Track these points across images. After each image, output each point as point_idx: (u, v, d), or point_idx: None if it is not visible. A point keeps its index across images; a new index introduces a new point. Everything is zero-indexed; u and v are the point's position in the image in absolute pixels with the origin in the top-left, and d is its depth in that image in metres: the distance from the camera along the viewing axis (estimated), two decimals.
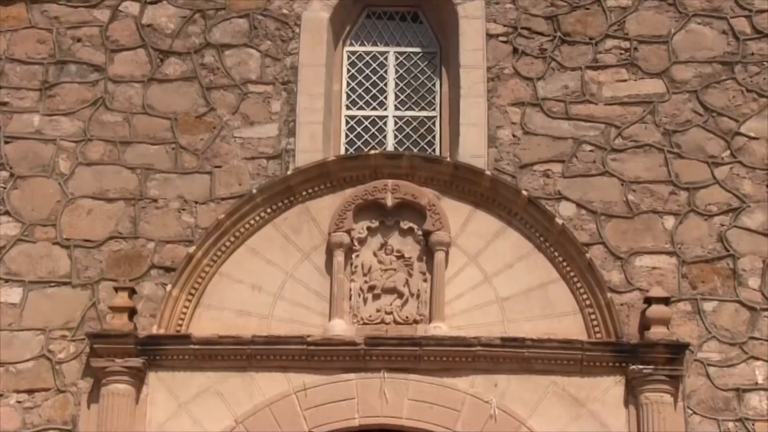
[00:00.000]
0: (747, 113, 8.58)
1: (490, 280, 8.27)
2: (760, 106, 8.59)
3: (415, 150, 8.85)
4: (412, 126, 9.02)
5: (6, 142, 8.65)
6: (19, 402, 8.08)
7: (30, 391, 8.09)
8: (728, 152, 8.52)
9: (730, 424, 7.94)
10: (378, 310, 8.24)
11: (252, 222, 8.38)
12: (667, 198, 8.44)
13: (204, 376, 8.08)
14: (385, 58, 9.17)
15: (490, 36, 8.81)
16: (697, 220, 8.39)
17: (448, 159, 8.53)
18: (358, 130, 9.03)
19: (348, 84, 9.14)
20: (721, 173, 8.48)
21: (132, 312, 8.14)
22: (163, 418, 8.01)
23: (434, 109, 9.04)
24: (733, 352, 8.09)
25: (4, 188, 8.55)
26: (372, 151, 8.58)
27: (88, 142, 8.66)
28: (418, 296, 8.26)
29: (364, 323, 8.21)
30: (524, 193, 8.33)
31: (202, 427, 7.97)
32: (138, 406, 8.00)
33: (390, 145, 8.94)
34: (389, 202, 8.38)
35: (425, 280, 8.28)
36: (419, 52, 9.16)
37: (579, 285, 8.20)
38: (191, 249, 8.27)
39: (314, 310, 8.22)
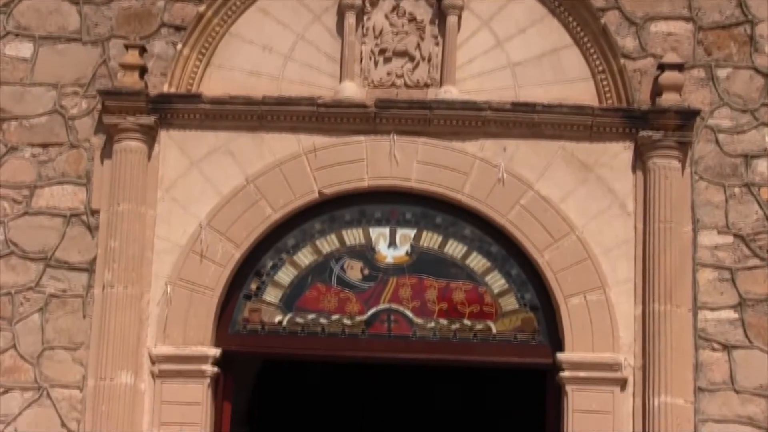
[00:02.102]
0: None
1: (503, 44, 8.19)
2: None
3: None
4: None
5: None
6: (33, 155, 8.22)
7: (44, 145, 8.21)
8: None
9: (736, 190, 7.98)
10: (389, 74, 8.21)
11: None
12: None
13: (215, 136, 8.15)
14: None
15: None
16: None
17: None
18: None
19: None
20: None
21: (143, 70, 8.14)
22: (175, 175, 8.13)
23: None
24: (744, 118, 8.04)
25: None
26: None
27: None
28: (429, 60, 8.20)
29: (375, 86, 8.20)
30: None
31: (213, 185, 8.10)
32: (150, 163, 8.11)
33: None
34: None
35: (437, 44, 8.20)
36: None
37: (592, 50, 8.10)
38: (201, 8, 8.18)
39: (325, 72, 8.20)
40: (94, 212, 8.12)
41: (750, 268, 7.89)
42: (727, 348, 7.81)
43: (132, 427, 7.80)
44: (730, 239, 7.93)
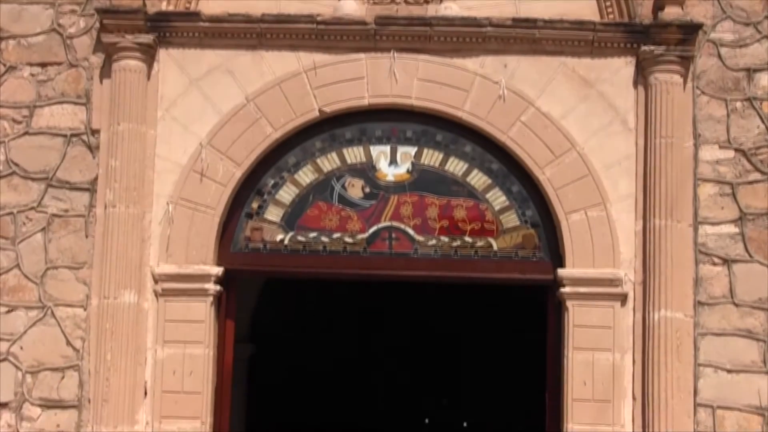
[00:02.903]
0: None
1: None
2: None
3: None
4: None
5: None
6: (32, 75, 8.18)
7: (42, 65, 8.17)
8: None
9: (738, 104, 7.95)
10: None
11: None
12: None
13: (214, 54, 8.10)
14: None
15: None
16: None
17: None
18: None
19: None
20: None
21: None
22: (175, 94, 8.10)
23: None
24: (746, 32, 7.98)
25: None
26: None
27: None
28: None
29: (374, 3, 8.13)
30: None
31: (213, 103, 8.07)
32: (150, 83, 8.07)
33: None
34: None
35: None
36: None
37: None
38: None
39: None
40: (95, 132, 8.11)
41: (751, 183, 7.90)
42: (727, 262, 7.85)
43: (136, 346, 7.87)
44: (731, 154, 7.92)
